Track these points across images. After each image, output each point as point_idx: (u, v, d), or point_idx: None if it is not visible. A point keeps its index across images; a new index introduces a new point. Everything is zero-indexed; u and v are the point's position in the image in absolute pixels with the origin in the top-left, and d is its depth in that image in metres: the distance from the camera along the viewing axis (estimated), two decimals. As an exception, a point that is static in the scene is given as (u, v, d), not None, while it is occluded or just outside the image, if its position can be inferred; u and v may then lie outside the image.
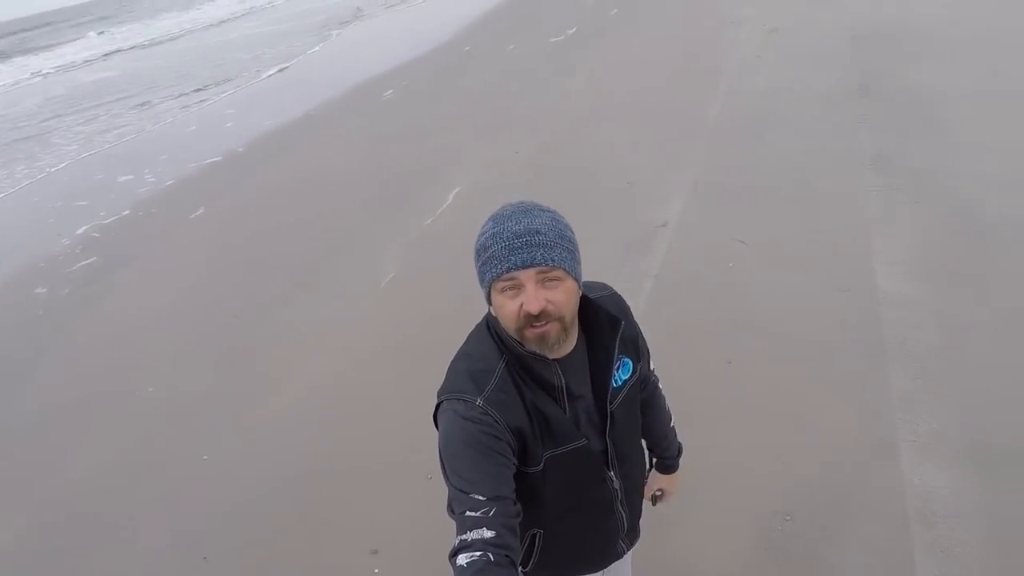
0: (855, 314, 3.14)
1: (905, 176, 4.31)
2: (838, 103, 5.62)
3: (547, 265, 1.01)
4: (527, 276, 1.01)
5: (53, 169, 8.43)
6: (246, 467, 2.94)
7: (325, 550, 2.46)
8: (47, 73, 18.88)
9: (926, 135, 4.85)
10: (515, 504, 1.05)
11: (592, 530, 1.29)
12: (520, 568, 1.15)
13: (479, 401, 1.05)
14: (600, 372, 1.15)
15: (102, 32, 26.32)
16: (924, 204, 3.97)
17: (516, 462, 1.09)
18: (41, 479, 3.14)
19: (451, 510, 1.05)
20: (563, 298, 1.03)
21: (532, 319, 1.02)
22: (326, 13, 18.68)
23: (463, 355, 1.15)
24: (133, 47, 20.93)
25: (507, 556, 0.99)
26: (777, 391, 2.78)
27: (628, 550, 1.38)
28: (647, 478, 1.45)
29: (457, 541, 1.00)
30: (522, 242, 1.00)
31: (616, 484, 1.24)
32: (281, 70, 11.96)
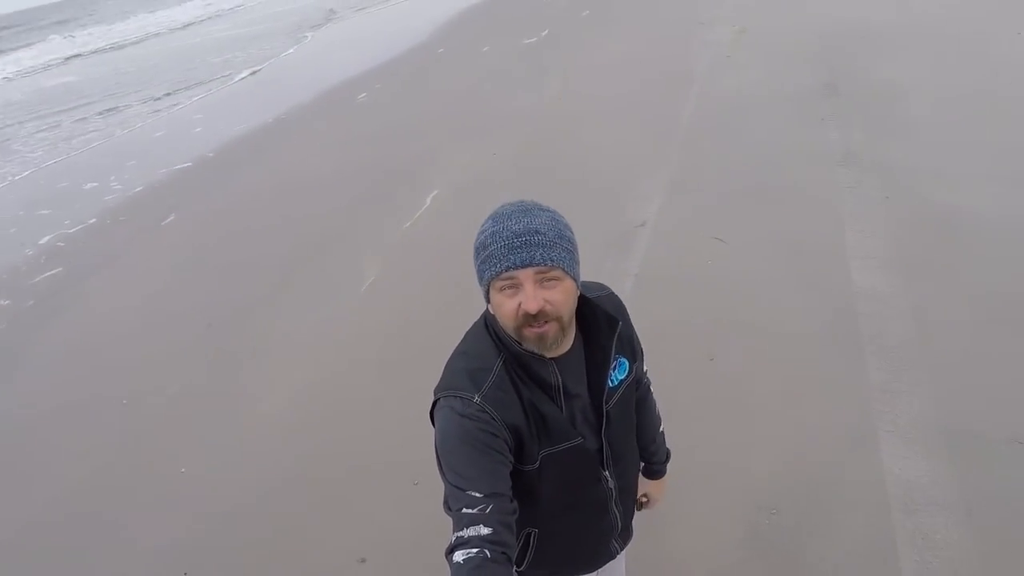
0: (831, 308, 3.21)
1: (874, 172, 4.43)
2: (807, 102, 5.74)
3: (546, 265, 1.01)
4: (526, 275, 1.01)
5: (15, 177, 8.15)
6: (225, 479, 2.87)
7: (312, 561, 2.41)
8: (7, 78, 18.25)
9: (893, 132, 4.99)
10: (512, 501, 1.05)
11: (587, 529, 1.29)
12: (515, 568, 1.14)
13: (476, 399, 1.05)
14: (597, 371, 1.16)
15: (69, 36, 25.48)
16: (893, 199, 4.08)
17: (513, 460, 1.09)
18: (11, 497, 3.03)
19: (447, 507, 1.04)
20: (561, 298, 1.03)
21: (530, 318, 1.02)
22: (297, 15, 18.45)
23: (460, 353, 1.14)
24: (96, 51, 20.35)
25: (504, 553, 0.99)
26: (759, 386, 2.83)
27: (621, 550, 1.38)
28: None
29: (453, 538, 1.00)
30: (521, 241, 1.00)
31: (611, 483, 1.24)
32: (253, 73, 11.77)
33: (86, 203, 6.61)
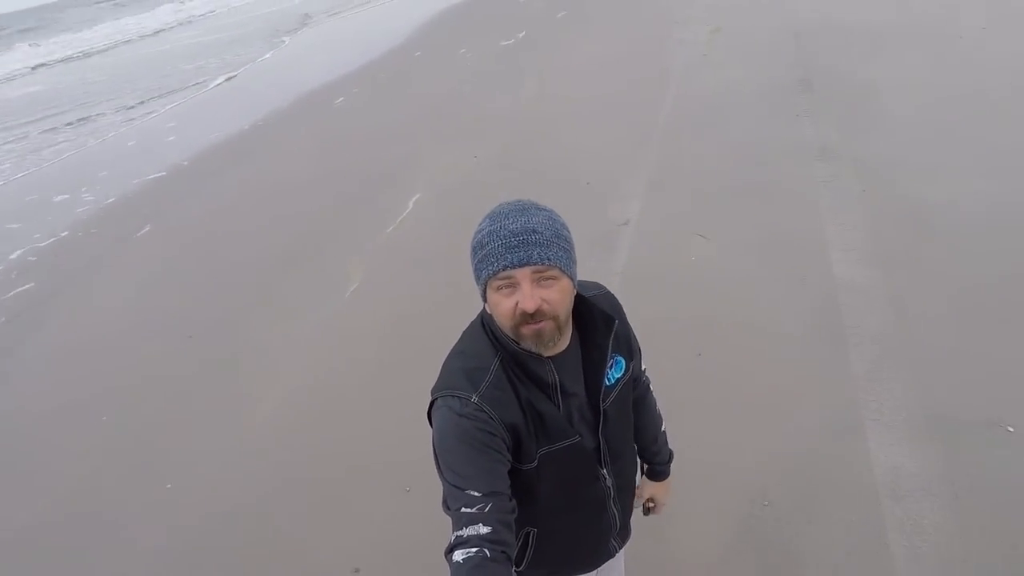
0: (814, 301, 3.25)
1: (851, 166, 4.51)
2: (783, 98, 5.83)
3: (543, 264, 1.01)
4: (523, 275, 1.01)
5: (-19, 191, 7.92)
6: (212, 490, 2.82)
7: (306, 571, 2.38)
8: (-32, 90, 17.74)
9: (867, 126, 5.08)
10: (510, 500, 1.05)
11: (585, 528, 1.29)
12: (514, 567, 1.14)
13: (474, 398, 1.05)
14: (593, 370, 1.16)
15: (34, 44, 24.77)
16: (870, 192, 4.16)
17: (511, 459, 1.08)
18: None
19: (446, 507, 1.04)
20: (558, 297, 1.04)
21: (527, 317, 1.02)
22: (272, 21, 18.23)
23: (457, 353, 1.14)
24: (63, 59, 19.88)
25: (503, 552, 0.98)
26: (746, 380, 2.86)
27: (620, 549, 1.38)
28: (637, 483, 1.45)
29: (453, 537, 0.99)
30: (519, 240, 1.00)
31: (609, 482, 1.24)
32: (229, 79, 11.59)
33: (57, 216, 6.44)
